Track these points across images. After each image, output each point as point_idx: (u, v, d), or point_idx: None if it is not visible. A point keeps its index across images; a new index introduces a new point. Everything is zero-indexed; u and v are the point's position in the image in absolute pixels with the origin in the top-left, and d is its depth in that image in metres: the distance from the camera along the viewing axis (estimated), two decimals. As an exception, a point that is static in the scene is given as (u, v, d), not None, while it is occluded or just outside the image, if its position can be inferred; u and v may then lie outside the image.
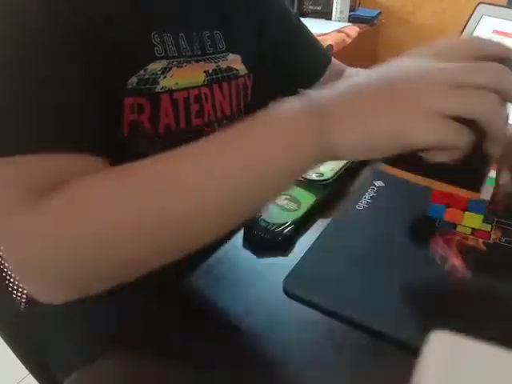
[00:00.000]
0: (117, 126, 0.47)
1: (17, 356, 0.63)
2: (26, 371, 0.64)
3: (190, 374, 0.34)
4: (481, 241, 0.48)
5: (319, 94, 0.33)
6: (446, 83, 0.31)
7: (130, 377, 0.34)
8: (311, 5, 1.81)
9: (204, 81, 0.55)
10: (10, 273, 0.62)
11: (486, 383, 0.16)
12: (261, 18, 0.67)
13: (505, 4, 1.05)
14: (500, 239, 0.49)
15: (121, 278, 0.34)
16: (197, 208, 0.32)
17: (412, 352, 0.34)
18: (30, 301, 0.62)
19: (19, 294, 0.64)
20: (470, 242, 0.48)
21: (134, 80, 0.47)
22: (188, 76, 0.53)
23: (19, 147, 0.35)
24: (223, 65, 0.58)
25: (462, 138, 0.31)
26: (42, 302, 0.43)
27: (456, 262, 0.45)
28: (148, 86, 0.49)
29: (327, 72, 0.74)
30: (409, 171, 0.47)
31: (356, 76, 0.34)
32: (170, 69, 0.51)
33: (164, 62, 0.50)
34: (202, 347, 0.36)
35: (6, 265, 0.61)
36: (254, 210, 0.35)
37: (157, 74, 0.49)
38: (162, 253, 0.34)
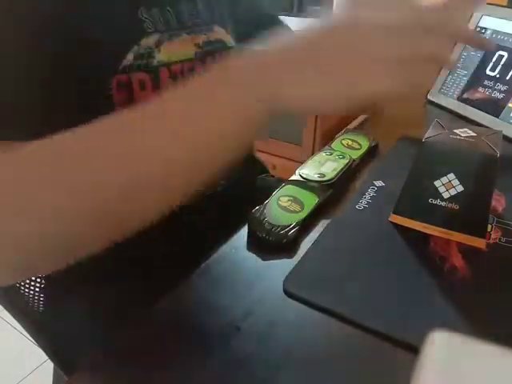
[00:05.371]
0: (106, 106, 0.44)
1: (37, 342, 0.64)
2: (24, 374, 0.65)
3: (189, 374, 0.34)
4: (481, 241, 0.48)
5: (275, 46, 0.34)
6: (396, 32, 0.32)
7: (128, 377, 0.34)
8: (311, 5, 1.81)
9: (196, 53, 0.55)
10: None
11: (486, 383, 0.16)
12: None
13: (505, 4, 1.04)
14: (500, 239, 0.49)
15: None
16: (164, 169, 0.34)
17: (412, 352, 0.34)
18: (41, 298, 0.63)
19: (31, 292, 0.64)
20: (470, 242, 0.48)
21: (130, 57, 0.47)
22: (179, 50, 0.53)
23: None
24: (212, 37, 0.58)
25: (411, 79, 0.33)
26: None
27: (456, 262, 0.45)
28: (145, 61, 0.48)
29: None
30: (425, 222, 0.49)
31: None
32: (162, 42, 0.50)
33: (156, 37, 0.50)
34: (201, 347, 0.36)
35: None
36: (216, 167, 0.36)
37: (151, 49, 0.49)
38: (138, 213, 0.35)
